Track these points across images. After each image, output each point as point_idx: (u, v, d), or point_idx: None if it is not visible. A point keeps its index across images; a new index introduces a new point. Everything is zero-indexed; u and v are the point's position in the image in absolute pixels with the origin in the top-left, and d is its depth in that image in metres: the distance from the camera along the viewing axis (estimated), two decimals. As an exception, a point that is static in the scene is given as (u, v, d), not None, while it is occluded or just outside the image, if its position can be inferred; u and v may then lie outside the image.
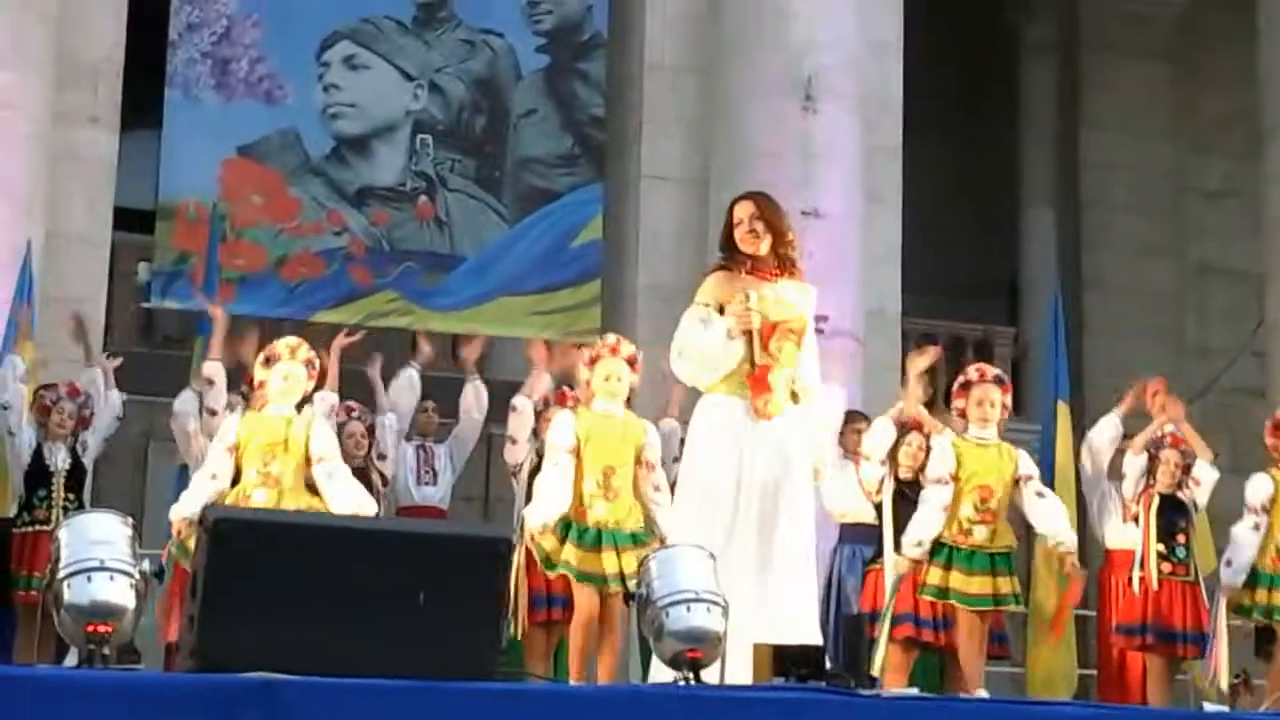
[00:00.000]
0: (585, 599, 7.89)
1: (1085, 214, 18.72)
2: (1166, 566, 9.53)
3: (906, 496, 9.25)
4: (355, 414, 10.07)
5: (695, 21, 13.31)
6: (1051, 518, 8.61)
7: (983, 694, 8.24)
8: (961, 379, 8.73)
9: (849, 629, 6.06)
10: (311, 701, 4.50)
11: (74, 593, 5.13)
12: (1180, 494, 9.77)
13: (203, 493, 7.96)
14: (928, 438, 9.40)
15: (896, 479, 9.29)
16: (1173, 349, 18.27)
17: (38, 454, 9.64)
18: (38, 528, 9.44)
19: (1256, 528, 9.24)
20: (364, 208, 13.58)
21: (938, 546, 8.46)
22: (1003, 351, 18.14)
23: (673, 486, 9.74)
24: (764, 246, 6.87)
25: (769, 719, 5.06)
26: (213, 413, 9.41)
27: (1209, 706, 7.62)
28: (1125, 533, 9.87)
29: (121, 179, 12.58)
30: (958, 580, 8.38)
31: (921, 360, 9.43)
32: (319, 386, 9.81)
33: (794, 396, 6.84)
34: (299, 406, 8.30)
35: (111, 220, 12.40)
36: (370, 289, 13.46)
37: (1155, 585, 9.45)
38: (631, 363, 8.16)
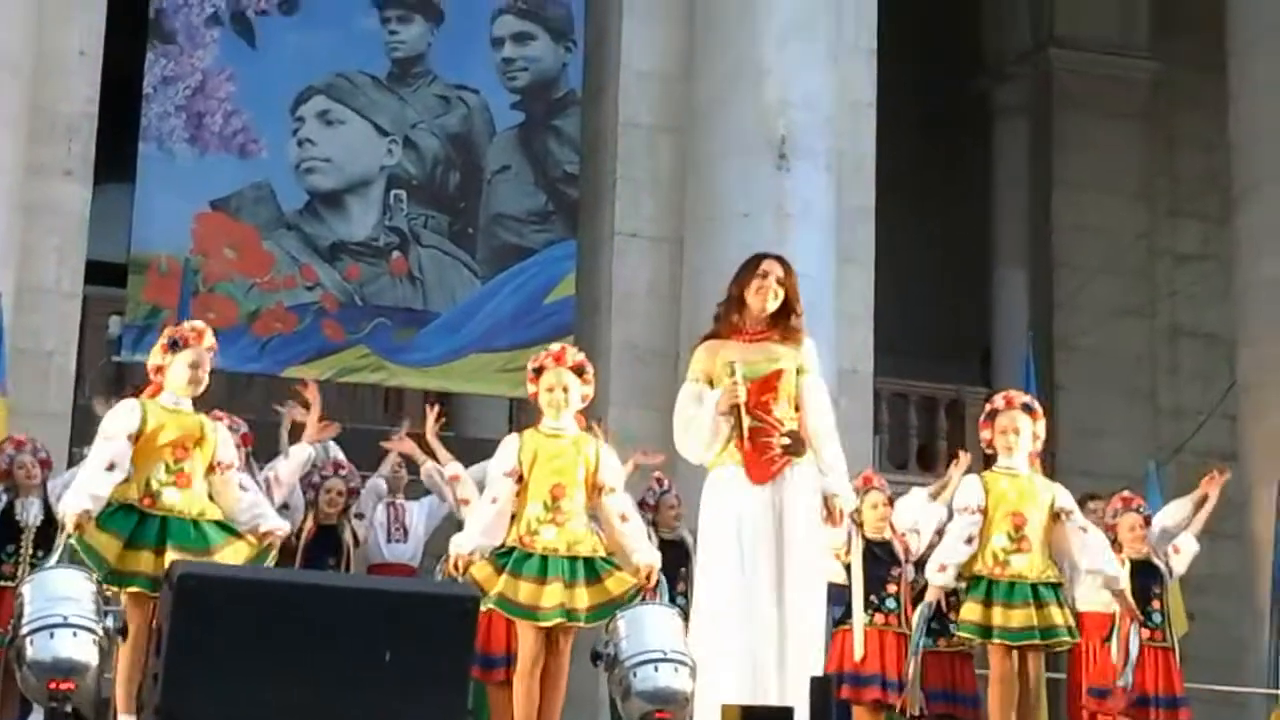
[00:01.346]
0: (529, 642, 7.14)
1: (1058, 275, 18.78)
2: (1144, 633, 9.50)
3: (876, 556, 9.26)
4: (343, 473, 10.03)
5: (670, 80, 13.33)
6: (1097, 554, 8.34)
7: None
8: (988, 408, 8.44)
9: (816, 690, 6.01)
10: (274, 761, 4.45)
11: (36, 649, 5.10)
12: (1154, 559, 9.77)
13: (100, 484, 7.05)
14: (887, 493, 9.45)
15: (865, 539, 9.29)
16: (1145, 410, 18.32)
17: (8, 509, 9.56)
18: (4, 583, 9.35)
19: None
20: (337, 263, 13.55)
21: (975, 581, 8.16)
22: (975, 411, 18.03)
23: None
24: (771, 307, 6.88)
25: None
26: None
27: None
28: (1098, 595, 9.85)
29: (94, 232, 12.54)
30: (1000, 615, 8.05)
31: None
32: (294, 439, 9.79)
33: (793, 448, 6.77)
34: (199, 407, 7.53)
35: (83, 273, 12.35)
36: (342, 344, 13.41)
37: (1133, 654, 9.41)
38: (579, 371, 7.47)
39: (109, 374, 14.97)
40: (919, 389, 18.04)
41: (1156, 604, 9.61)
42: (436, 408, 10.13)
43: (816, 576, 6.87)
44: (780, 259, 6.99)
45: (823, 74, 12.94)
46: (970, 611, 8.13)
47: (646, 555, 7.32)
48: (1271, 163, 14.69)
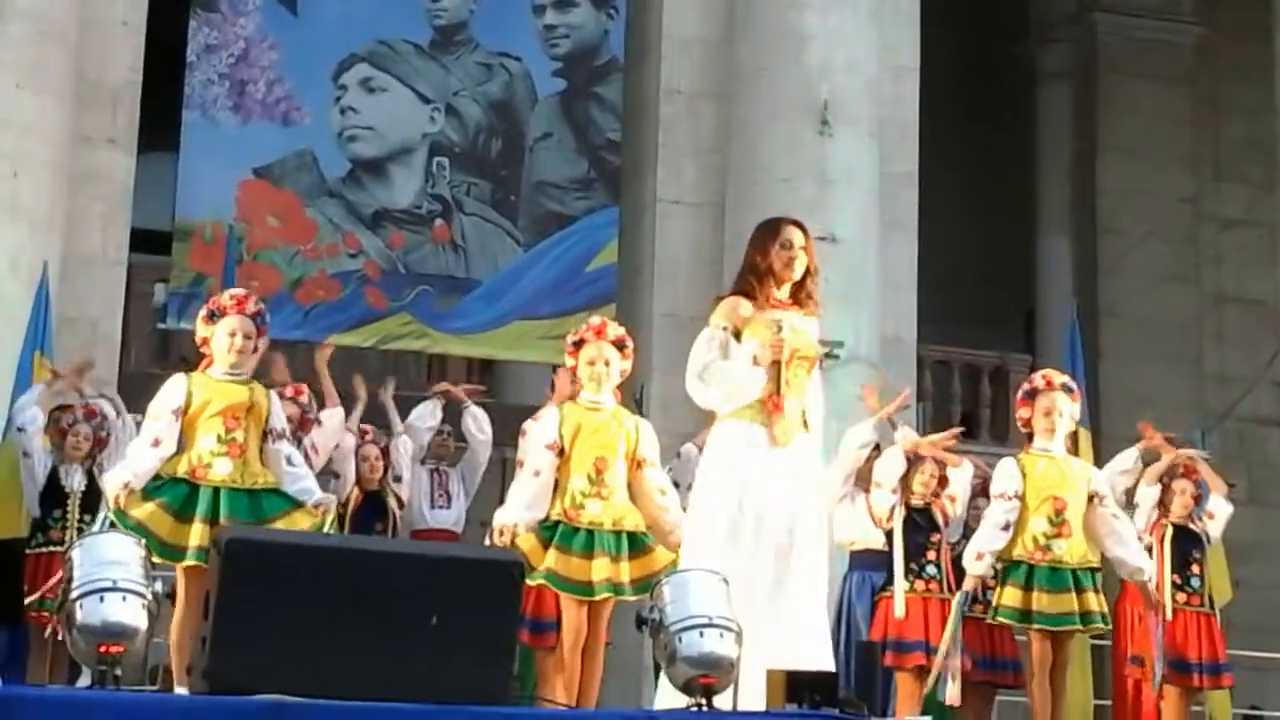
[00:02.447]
0: (572, 616, 7.23)
1: (1102, 241, 18.69)
2: (1181, 597, 9.48)
3: (917, 524, 9.25)
4: (370, 437, 10.09)
5: (712, 46, 13.31)
6: (1126, 544, 8.36)
7: None
8: (1027, 387, 8.40)
9: (861, 656, 6.02)
10: (322, 724, 4.48)
11: (86, 613, 5.13)
12: (1193, 525, 9.74)
13: (145, 460, 7.04)
14: (942, 466, 9.41)
15: (907, 506, 9.28)
16: (1190, 377, 18.24)
17: (53, 475, 9.61)
18: (52, 549, 9.41)
19: None
20: (380, 230, 13.58)
21: (1014, 565, 8.15)
22: (1019, 379, 17.95)
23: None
24: (797, 276, 6.86)
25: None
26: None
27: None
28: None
29: (139, 200, 12.60)
30: (1040, 600, 8.06)
31: (871, 400, 9.54)
32: (322, 406, 9.82)
33: (804, 423, 6.81)
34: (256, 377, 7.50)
35: (128, 241, 12.41)
36: (385, 312, 13.45)
37: (1170, 615, 9.39)
38: (620, 346, 7.47)
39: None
40: (962, 356, 17.98)
41: (1195, 569, 9.58)
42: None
43: (823, 544, 6.95)
44: (799, 224, 6.95)
45: (865, 39, 12.89)
46: (1010, 597, 8.15)
47: (682, 533, 7.35)
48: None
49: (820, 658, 6.52)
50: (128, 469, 7.04)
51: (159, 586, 5.29)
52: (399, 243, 13.60)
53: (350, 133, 13.68)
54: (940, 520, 9.36)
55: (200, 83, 13.30)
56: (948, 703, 8.49)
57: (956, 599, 8.63)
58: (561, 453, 7.29)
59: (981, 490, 9.62)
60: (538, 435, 7.45)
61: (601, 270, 13.79)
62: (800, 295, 6.90)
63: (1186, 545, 9.59)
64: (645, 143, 13.56)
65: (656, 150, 13.34)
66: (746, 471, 6.67)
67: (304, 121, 13.55)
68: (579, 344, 7.50)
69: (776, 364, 6.68)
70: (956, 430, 9.78)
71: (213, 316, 7.31)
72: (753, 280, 6.85)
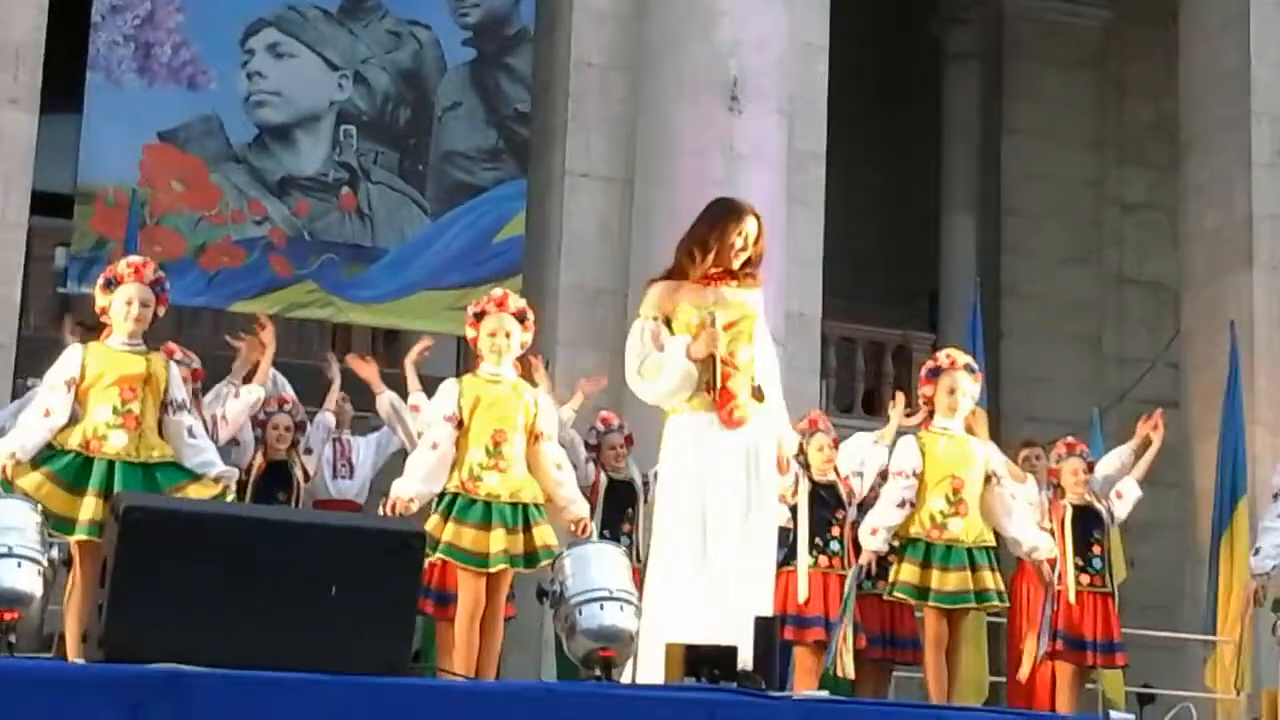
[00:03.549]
0: (469, 588, 7.29)
1: (1005, 222, 18.84)
2: (1085, 578, 9.58)
3: (822, 499, 9.30)
4: (287, 407, 10.00)
5: (623, 19, 13.28)
6: (1023, 523, 8.50)
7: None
8: (931, 365, 8.49)
9: (761, 629, 6.05)
10: (220, 693, 4.46)
11: (-20, 580, 5.08)
12: (1097, 505, 9.83)
13: (35, 432, 6.96)
14: (833, 437, 9.48)
15: (811, 481, 9.32)
16: (1090, 357, 18.42)
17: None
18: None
19: None
20: (286, 197, 13.48)
21: (911, 543, 8.25)
22: (921, 357, 18.18)
23: (596, 486, 9.85)
24: (736, 265, 6.78)
25: (682, 718, 5.05)
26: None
27: (1115, 715, 7.67)
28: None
29: (40, 162, 12.43)
30: (937, 578, 8.16)
31: None
32: (248, 379, 9.74)
33: (756, 393, 6.73)
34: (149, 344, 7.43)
35: (29, 204, 12.25)
36: (290, 279, 13.36)
37: (1073, 598, 9.49)
38: (521, 318, 7.52)
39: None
40: (866, 333, 18.10)
41: (1097, 549, 9.69)
42: (424, 340, 10.09)
43: (775, 522, 6.89)
44: (756, 214, 6.87)
45: (775, 16, 12.91)
46: (907, 573, 8.25)
47: (579, 507, 7.48)
48: (1219, 112, 14.75)
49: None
50: (15, 440, 6.97)
51: (55, 553, 5.25)
52: (305, 210, 13.51)
53: (257, 98, 13.56)
54: (845, 497, 9.41)
55: (105, 44, 13.13)
56: (839, 675, 8.56)
57: (850, 573, 8.73)
58: (460, 425, 7.31)
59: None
60: (436, 407, 7.45)
61: (509, 242, 13.75)
62: (741, 273, 6.81)
63: (1088, 525, 9.69)
64: (555, 115, 13.53)
65: (566, 122, 13.32)
66: (698, 463, 6.58)
67: (210, 86, 13.41)
68: (480, 315, 7.53)
69: (713, 356, 6.60)
70: None
71: (110, 285, 7.26)
72: (696, 253, 6.72)
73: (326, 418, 10.25)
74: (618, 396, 11.92)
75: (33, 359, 10.18)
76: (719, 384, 6.59)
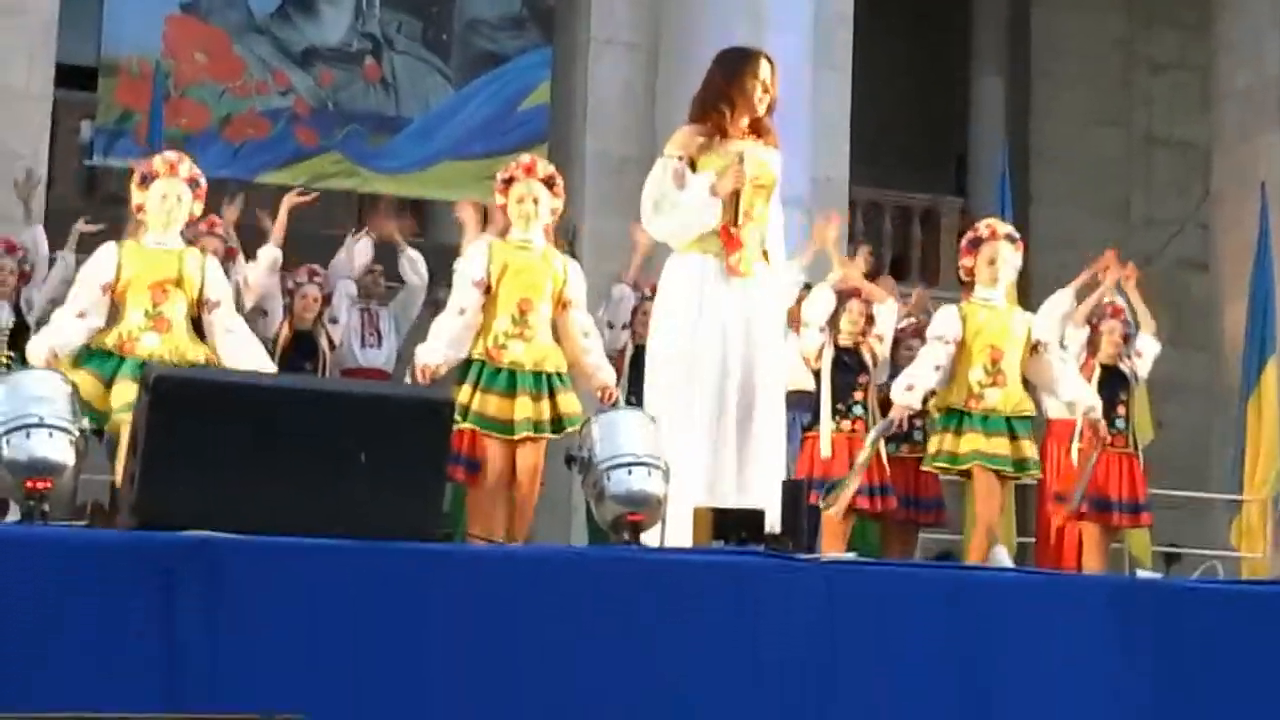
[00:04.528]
0: (495, 455, 7.32)
1: (1035, 84, 18.69)
2: (1108, 438, 9.58)
3: (845, 364, 9.31)
4: (317, 278, 10.03)
5: (648, -115, 13.15)
6: (1076, 384, 8.44)
7: (1002, 555, 8.05)
8: (971, 235, 8.36)
9: (787, 494, 6.08)
10: (249, 559, 4.51)
11: (13, 449, 5.10)
12: (1121, 365, 9.84)
13: (71, 332, 7.00)
14: (869, 305, 9.45)
15: (836, 346, 9.32)
16: (1119, 220, 18.32)
17: (-23, 309, 9.52)
18: (-23, 383, 9.34)
19: None
20: (309, 68, 13.44)
21: (948, 413, 8.16)
22: (949, 222, 18.18)
23: (623, 354, 9.82)
24: (761, 112, 6.65)
25: (710, 581, 5.09)
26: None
27: (1141, 574, 7.72)
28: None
29: (63, 35, 12.39)
30: (973, 441, 8.05)
31: (830, 230, 9.43)
32: (259, 243, 9.77)
33: (764, 255, 6.64)
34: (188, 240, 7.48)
35: (53, 76, 12.23)
36: (315, 150, 13.36)
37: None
38: (549, 183, 7.44)
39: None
40: (894, 198, 18.02)
41: (1121, 409, 9.70)
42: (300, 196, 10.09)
43: (783, 377, 6.84)
44: (769, 59, 6.73)
45: (802, -119, 12.77)
46: (942, 441, 8.17)
47: (605, 374, 7.50)
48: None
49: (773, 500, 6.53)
50: (54, 336, 7.00)
51: (86, 423, 5.29)
52: (329, 81, 13.48)
53: (279, -33, 13.50)
54: (869, 360, 9.41)
55: (124, -84, 13.07)
56: (824, 511, 8.54)
57: (877, 426, 8.67)
58: (488, 290, 7.28)
59: (914, 332, 9.69)
60: (465, 270, 7.39)
61: (534, 110, 13.72)
62: (760, 127, 6.69)
63: (1114, 386, 9.70)
64: (579, -18, 13.44)
65: (590, -11, 13.23)
66: (704, 305, 6.48)
67: (232, -45, 13.36)
68: (509, 182, 7.46)
69: (735, 193, 6.48)
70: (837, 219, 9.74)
71: (145, 181, 7.20)
72: (719, 108, 6.58)
73: (348, 285, 10.26)
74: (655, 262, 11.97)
75: (60, 231, 10.21)
76: (739, 221, 6.48)
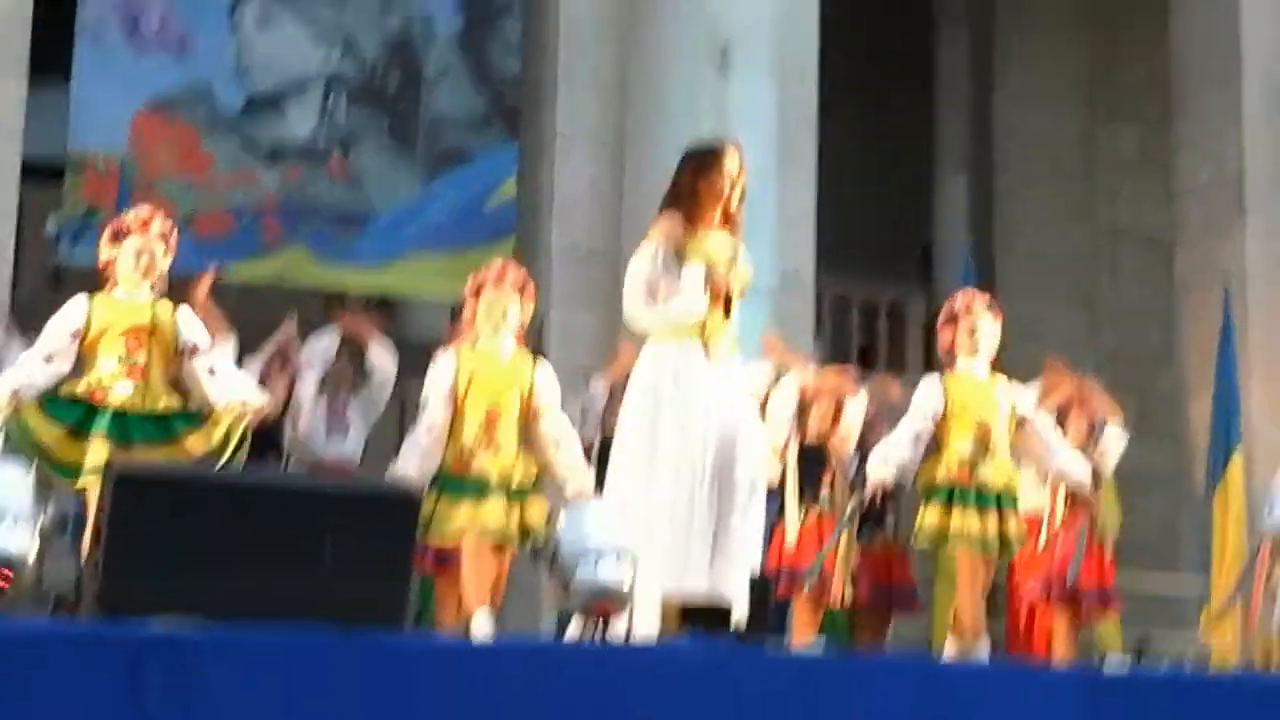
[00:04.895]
0: (470, 545, 7.23)
1: (998, 178, 18.81)
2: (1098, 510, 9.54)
3: (812, 456, 9.29)
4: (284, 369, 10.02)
5: (612, -20, 13.26)
6: (1067, 455, 8.29)
7: (983, 647, 7.95)
8: (948, 309, 8.23)
9: (755, 589, 6.06)
10: (215, 652, 4.47)
11: (-26, 541, 5.07)
12: (1089, 456, 9.83)
13: (37, 372, 6.84)
14: (837, 400, 9.44)
15: (802, 440, 9.31)
16: (1085, 313, 18.39)
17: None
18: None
19: None
20: (276, 164, 13.48)
21: (935, 488, 7.95)
22: (916, 316, 18.24)
23: (591, 448, 9.79)
24: (735, 203, 6.71)
25: (676, 673, 5.06)
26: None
27: (1111, 662, 7.70)
28: (1035, 493, 9.90)
29: (30, 130, 12.39)
30: (959, 519, 7.84)
31: (777, 346, 9.41)
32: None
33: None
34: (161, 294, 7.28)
35: (19, 172, 12.23)
36: (282, 245, 13.38)
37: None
38: (521, 289, 7.47)
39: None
40: (860, 292, 18.07)
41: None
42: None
43: (761, 464, 6.81)
44: (738, 149, 6.80)
45: (766, -24, 12.89)
46: (932, 516, 7.94)
47: (579, 480, 7.37)
48: (1210, 67, 14.73)
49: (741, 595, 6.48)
50: (17, 378, 6.86)
51: (50, 511, 5.25)
52: (295, 177, 13.51)
53: (247, 66, 13.55)
54: (834, 461, 9.38)
55: (94, 11, 13.12)
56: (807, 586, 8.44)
57: (853, 498, 8.53)
58: (455, 399, 7.28)
59: (879, 420, 9.67)
60: (436, 383, 7.37)
61: (501, 206, 13.76)
62: (729, 218, 6.75)
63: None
64: (545, 78, 13.50)
65: (556, 85, 13.29)
66: (685, 388, 6.48)
67: (199, 53, 13.41)
68: (478, 288, 7.47)
69: (728, 296, 6.55)
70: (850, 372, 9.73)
71: (117, 237, 7.14)
72: (690, 203, 6.65)
73: (311, 376, 10.23)
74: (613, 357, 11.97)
75: (24, 326, 10.17)
76: (723, 314, 6.53)
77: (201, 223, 13.15)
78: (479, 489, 7.18)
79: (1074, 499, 9.38)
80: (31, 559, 5.11)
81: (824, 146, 13.43)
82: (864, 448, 9.40)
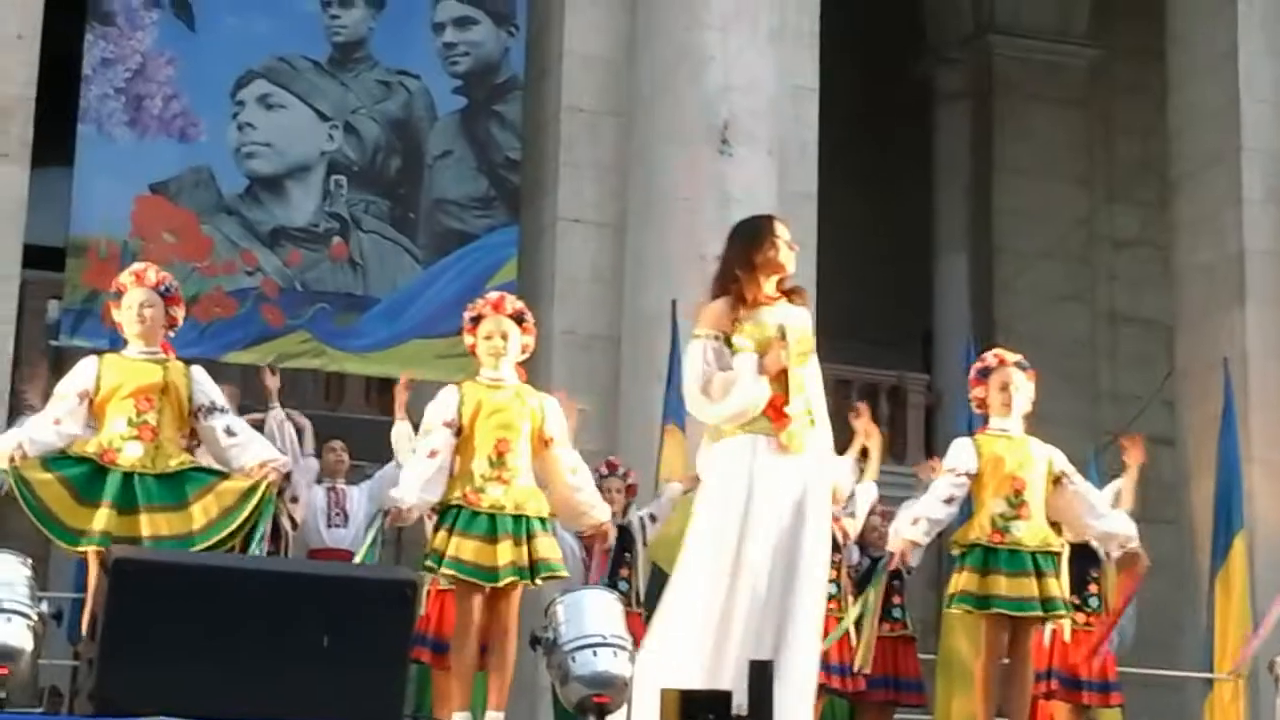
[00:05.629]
0: (471, 609, 6.95)
1: (998, 260, 18.85)
2: (1080, 617, 9.46)
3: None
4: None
5: (612, 65, 13.32)
6: (1107, 516, 8.02)
7: None
8: (980, 365, 8.05)
9: (755, 674, 6.02)
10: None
11: (-30, 635, 5.04)
12: (1091, 542, 9.79)
13: (44, 432, 6.75)
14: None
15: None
16: (1085, 396, 18.39)
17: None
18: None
19: None
20: (277, 248, 13.49)
21: (970, 549, 7.68)
22: (916, 398, 18.24)
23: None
24: (792, 269, 6.63)
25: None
26: None
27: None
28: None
29: (32, 215, 12.45)
30: (999, 584, 7.57)
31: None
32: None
33: (810, 419, 6.51)
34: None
35: (21, 257, 12.26)
36: (283, 330, 13.36)
37: (1068, 637, 9.38)
38: (518, 319, 7.26)
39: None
40: (861, 375, 18.07)
41: (1093, 588, 9.65)
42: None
43: (827, 557, 6.61)
44: (784, 221, 6.75)
45: (765, 59, 12.96)
46: (967, 581, 7.67)
47: (599, 512, 7.26)
48: (1208, 148, 14.78)
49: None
50: (23, 433, 6.80)
51: (44, 607, 5.22)
52: (296, 260, 13.52)
53: (248, 149, 13.59)
54: (840, 539, 9.34)
55: (96, 97, 13.16)
56: (857, 666, 8.31)
57: (881, 560, 8.34)
58: (460, 431, 7.05)
59: (881, 512, 9.65)
60: (435, 412, 7.17)
61: (501, 289, 13.72)
62: (788, 287, 6.65)
63: (1084, 564, 9.62)
64: (546, 161, 13.56)
65: (557, 169, 13.34)
66: (755, 485, 6.34)
67: (201, 138, 13.44)
68: (476, 320, 7.32)
69: (784, 372, 6.40)
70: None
71: (117, 296, 7.14)
72: (742, 277, 6.53)
73: (311, 463, 10.23)
74: (613, 441, 11.95)
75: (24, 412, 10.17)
76: (789, 400, 6.37)
77: (203, 306, 13.14)
78: (490, 526, 6.94)
79: (1084, 600, 9.28)
80: (27, 653, 5.06)
81: (824, 226, 13.45)
82: (864, 538, 9.39)
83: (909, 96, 19.63)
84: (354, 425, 10.78)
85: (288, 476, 9.90)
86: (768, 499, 6.32)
